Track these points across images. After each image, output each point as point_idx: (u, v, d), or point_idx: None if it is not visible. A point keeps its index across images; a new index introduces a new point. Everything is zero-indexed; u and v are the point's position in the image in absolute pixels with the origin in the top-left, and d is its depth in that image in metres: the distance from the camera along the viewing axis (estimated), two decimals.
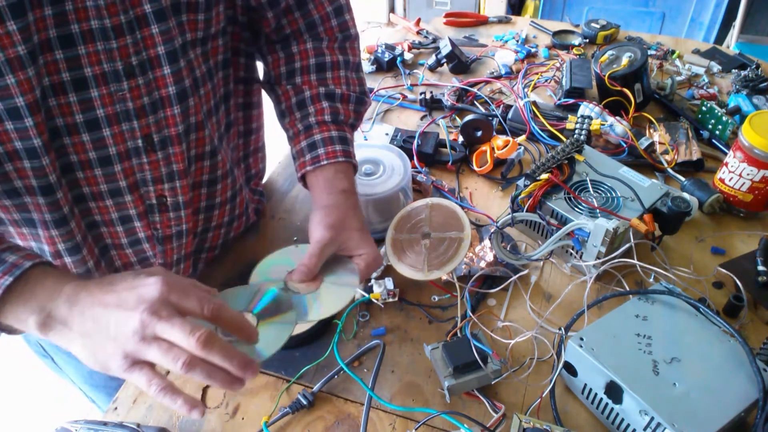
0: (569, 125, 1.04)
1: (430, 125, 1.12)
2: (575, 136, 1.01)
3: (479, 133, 1.03)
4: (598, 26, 1.42)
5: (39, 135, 0.55)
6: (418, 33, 1.45)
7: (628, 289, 0.76)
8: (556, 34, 1.43)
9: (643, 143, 0.99)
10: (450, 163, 1.01)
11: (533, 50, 1.38)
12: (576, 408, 0.66)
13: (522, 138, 1.04)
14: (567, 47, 1.38)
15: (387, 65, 1.31)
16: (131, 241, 0.71)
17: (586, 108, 1.06)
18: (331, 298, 0.65)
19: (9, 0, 0.49)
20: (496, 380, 0.66)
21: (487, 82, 1.27)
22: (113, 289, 0.51)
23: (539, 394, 0.65)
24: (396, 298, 0.77)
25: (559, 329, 0.70)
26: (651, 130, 1.05)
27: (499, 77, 1.28)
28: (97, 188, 0.64)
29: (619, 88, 1.07)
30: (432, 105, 1.17)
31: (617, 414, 0.61)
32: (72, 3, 0.53)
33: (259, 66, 0.86)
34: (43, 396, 1.81)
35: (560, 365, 0.65)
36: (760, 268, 0.78)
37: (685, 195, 0.80)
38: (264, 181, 1.00)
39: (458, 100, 1.19)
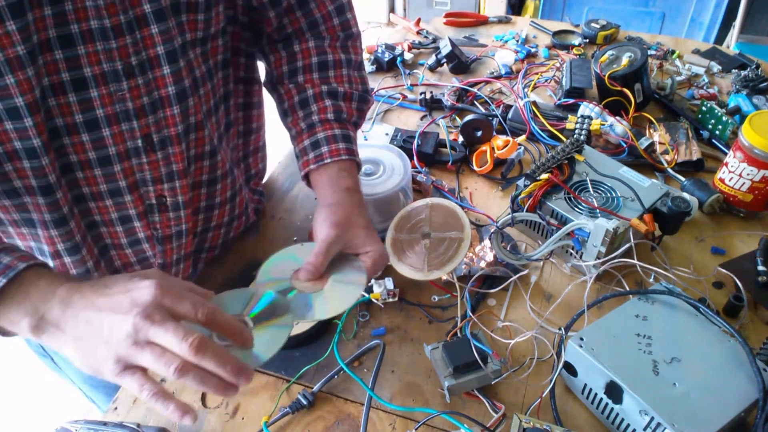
0: (569, 125, 1.04)
1: (430, 125, 1.12)
2: (575, 136, 1.01)
3: (479, 133, 1.03)
4: (598, 26, 1.42)
5: (38, 135, 0.55)
6: (418, 33, 1.45)
7: (628, 289, 0.76)
8: (556, 34, 1.43)
9: (643, 143, 0.99)
10: (450, 163, 1.01)
11: (533, 50, 1.38)
12: (576, 408, 0.66)
13: (522, 138, 1.04)
14: (567, 47, 1.38)
15: (387, 65, 1.31)
16: (131, 241, 0.71)
17: (586, 108, 1.06)
18: (338, 297, 0.64)
19: (8, 0, 0.49)
20: (496, 380, 0.66)
21: (487, 82, 1.27)
22: (107, 292, 0.51)
23: (539, 394, 0.65)
24: (396, 298, 0.77)
25: (559, 329, 0.70)
26: (651, 130, 1.05)
27: (499, 77, 1.28)
28: (97, 188, 0.64)
29: (619, 88, 1.07)
30: (432, 105, 1.17)
31: (617, 414, 0.61)
32: (71, 3, 0.53)
33: (260, 66, 0.86)
34: (43, 396, 1.81)
35: (560, 365, 0.65)
36: (760, 268, 0.78)
37: (685, 195, 0.80)
38: (264, 180, 1.00)
39: (458, 100, 1.19)
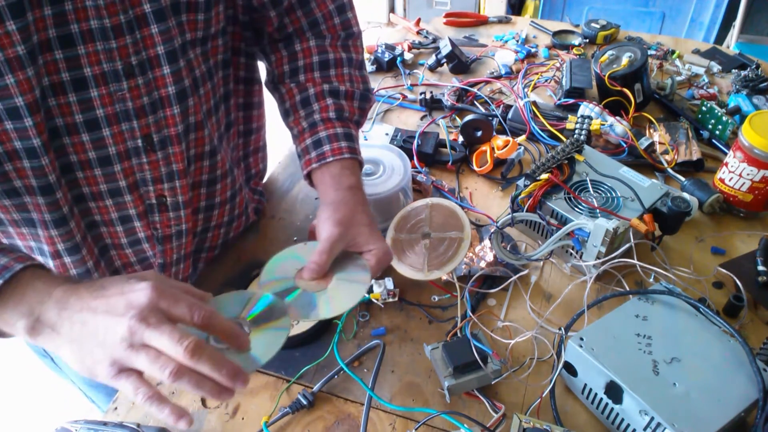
0: (569, 125, 1.04)
1: (430, 125, 1.12)
2: (575, 136, 1.01)
3: (479, 133, 1.03)
4: (598, 26, 1.42)
5: (38, 135, 0.55)
6: (418, 33, 1.45)
7: (628, 289, 0.76)
8: (556, 34, 1.43)
9: (643, 143, 0.99)
10: (450, 163, 1.01)
11: (533, 50, 1.38)
12: (576, 408, 0.66)
13: (522, 138, 1.04)
14: (567, 47, 1.38)
15: (387, 65, 1.31)
16: (131, 241, 0.71)
17: (586, 108, 1.06)
18: (342, 295, 0.64)
19: (8, 0, 0.49)
20: (496, 380, 0.66)
21: (487, 82, 1.27)
22: (103, 294, 0.51)
23: (539, 394, 0.65)
24: (396, 298, 0.77)
25: (559, 329, 0.70)
26: (651, 130, 1.05)
27: (499, 77, 1.28)
28: (97, 188, 0.64)
29: (619, 88, 1.07)
30: (432, 105, 1.17)
31: (617, 414, 0.61)
32: (71, 3, 0.53)
33: (261, 66, 0.85)
34: (43, 396, 1.81)
35: (560, 365, 0.65)
36: (760, 268, 0.78)
37: (685, 195, 0.80)
38: (264, 180, 1.00)
39: (458, 100, 1.19)
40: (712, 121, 1.07)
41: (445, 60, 1.29)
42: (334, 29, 0.78)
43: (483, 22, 1.55)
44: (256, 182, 0.95)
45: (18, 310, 0.51)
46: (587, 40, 1.41)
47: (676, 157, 0.99)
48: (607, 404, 0.62)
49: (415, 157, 1.01)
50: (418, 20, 1.49)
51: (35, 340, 0.52)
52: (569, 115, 1.06)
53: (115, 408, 0.67)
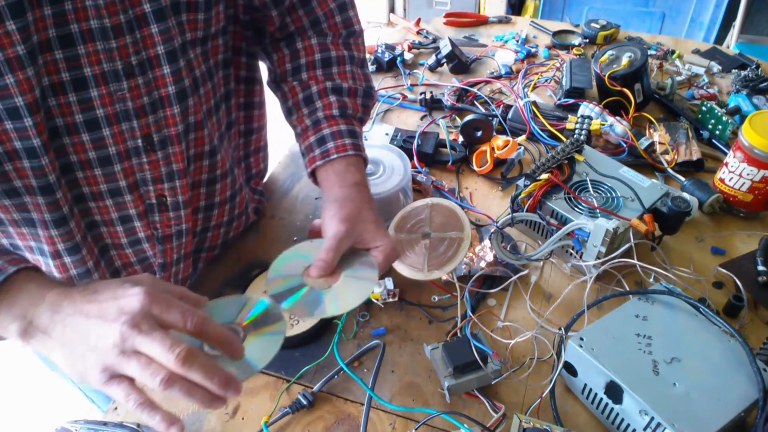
0: (569, 125, 1.04)
1: (430, 125, 1.12)
2: (575, 136, 1.01)
3: (479, 133, 1.03)
4: (598, 26, 1.42)
5: (38, 135, 0.55)
6: (418, 33, 1.45)
7: (628, 289, 0.76)
8: (556, 34, 1.43)
9: (643, 143, 0.99)
10: (450, 163, 1.01)
11: (533, 50, 1.38)
12: (576, 408, 0.66)
13: (522, 138, 1.04)
14: (567, 47, 1.38)
15: (387, 65, 1.31)
16: (131, 241, 0.70)
17: (586, 108, 1.06)
18: (350, 293, 0.64)
19: (8, 0, 0.49)
20: (496, 380, 0.66)
21: (487, 82, 1.27)
22: (96, 299, 0.50)
23: (539, 394, 0.65)
24: (396, 298, 0.77)
25: (559, 329, 0.70)
26: (651, 130, 1.05)
27: (499, 77, 1.28)
28: (97, 188, 0.64)
29: (619, 88, 1.07)
30: (432, 105, 1.17)
31: (617, 414, 0.61)
32: (71, 3, 0.53)
33: (262, 66, 0.85)
34: (43, 396, 1.81)
35: (560, 365, 0.65)
36: (760, 268, 0.78)
37: (685, 195, 0.80)
38: (264, 180, 1.00)
39: (458, 100, 1.19)
40: (712, 121, 1.07)
41: (445, 60, 1.29)
42: (336, 27, 0.78)
43: (483, 22, 1.55)
44: (256, 182, 0.95)
45: (11, 313, 0.51)
46: (587, 40, 1.41)
47: (676, 157, 0.99)
48: (607, 404, 0.62)
49: (415, 157, 1.01)
50: (418, 20, 1.49)
51: (28, 344, 0.51)
52: (569, 115, 1.06)
53: (115, 408, 0.67)
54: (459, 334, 0.71)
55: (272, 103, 0.89)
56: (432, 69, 1.31)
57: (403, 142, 1.03)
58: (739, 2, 2.47)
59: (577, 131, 1.02)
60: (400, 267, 0.75)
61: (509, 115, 1.10)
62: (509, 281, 0.78)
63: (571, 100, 1.11)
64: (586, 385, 0.64)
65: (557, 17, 2.71)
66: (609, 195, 0.81)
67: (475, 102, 1.19)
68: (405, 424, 0.65)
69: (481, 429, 0.60)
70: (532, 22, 1.53)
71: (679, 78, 1.25)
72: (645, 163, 0.99)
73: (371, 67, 1.32)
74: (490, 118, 1.09)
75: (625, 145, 1.00)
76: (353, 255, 0.67)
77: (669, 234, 0.81)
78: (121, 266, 0.73)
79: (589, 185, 0.82)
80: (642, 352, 0.63)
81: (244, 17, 0.75)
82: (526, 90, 1.21)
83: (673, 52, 1.36)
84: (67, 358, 0.50)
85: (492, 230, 0.79)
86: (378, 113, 1.17)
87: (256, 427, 0.64)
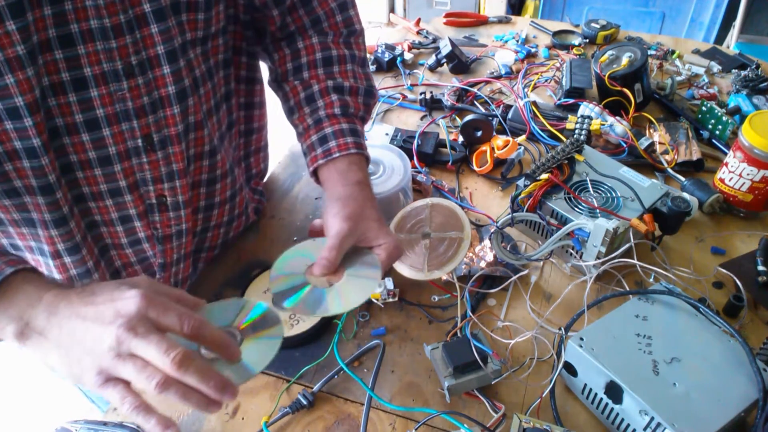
0: (569, 125, 1.04)
1: (430, 125, 1.12)
2: (575, 136, 1.01)
3: (479, 133, 1.03)
4: (598, 26, 1.42)
5: (38, 135, 0.55)
6: (418, 33, 1.45)
7: (628, 289, 0.76)
8: (556, 34, 1.43)
9: (643, 143, 0.99)
10: (450, 163, 1.01)
11: (533, 50, 1.38)
12: (576, 408, 0.66)
13: (522, 138, 1.04)
14: (567, 47, 1.38)
15: (387, 65, 1.31)
16: (131, 241, 0.70)
17: (586, 108, 1.06)
18: (353, 291, 0.64)
19: (8, 0, 0.49)
20: (496, 380, 0.66)
21: (487, 82, 1.27)
22: (93, 301, 0.50)
23: (539, 394, 0.65)
24: (396, 298, 0.77)
25: (559, 329, 0.70)
26: (651, 130, 1.05)
27: (499, 77, 1.28)
28: (97, 188, 0.64)
29: (619, 88, 1.07)
30: (432, 105, 1.17)
31: (617, 414, 0.61)
32: (71, 3, 0.53)
33: (263, 66, 0.85)
34: (43, 396, 1.81)
35: (560, 365, 0.65)
36: (760, 268, 0.78)
37: (685, 195, 0.80)
38: (264, 180, 1.00)
39: (458, 100, 1.19)
40: (712, 121, 1.07)
41: (445, 60, 1.29)
42: (336, 27, 0.78)
43: (483, 22, 1.55)
44: (256, 182, 0.95)
45: (7, 315, 0.51)
46: (587, 40, 1.41)
47: (676, 157, 0.99)
48: (607, 404, 0.62)
49: (415, 157, 1.01)
50: (418, 20, 1.49)
51: (24, 345, 0.51)
52: (569, 115, 1.06)
53: (115, 408, 0.67)
54: (459, 334, 0.71)
55: (272, 103, 0.89)
56: (432, 69, 1.31)
57: (403, 142, 1.03)
58: (739, 2, 2.47)
59: (577, 131, 1.02)
60: (400, 267, 0.75)
61: (509, 115, 1.10)
62: (509, 281, 0.78)
63: (571, 100, 1.11)
64: (586, 385, 0.64)
65: (557, 17, 2.71)
66: (609, 195, 0.81)
67: (475, 102, 1.19)
68: (405, 424, 0.65)
69: (481, 429, 0.60)
70: (532, 22, 1.53)
71: (679, 78, 1.25)
72: (645, 163, 0.99)
73: (371, 68, 1.32)
74: (490, 118, 1.09)
75: (625, 145, 1.00)
76: (356, 253, 0.67)
77: (669, 234, 0.81)
78: (121, 266, 0.73)
79: (589, 185, 0.82)
80: (642, 352, 0.63)
81: (245, 17, 0.75)
82: (526, 90, 1.21)
83: (673, 52, 1.36)
84: (63, 360, 0.50)
85: (492, 230, 0.79)
86: (378, 113, 1.17)
87: (256, 427, 0.64)
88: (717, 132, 1.07)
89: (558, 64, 1.29)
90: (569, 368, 0.65)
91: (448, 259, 0.74)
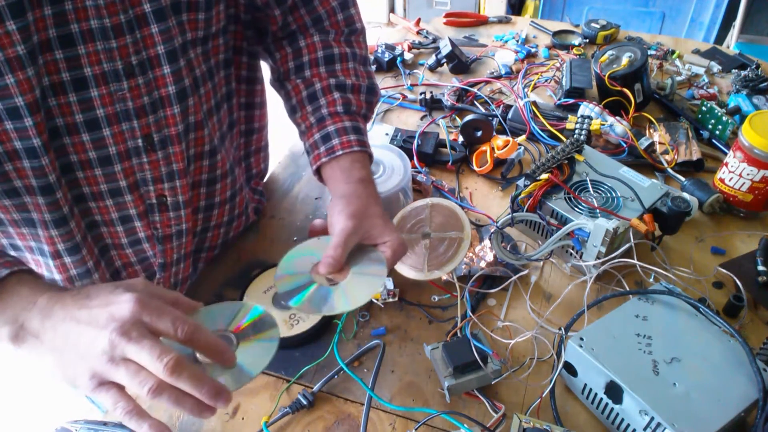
0: (569, 125, 1.04)
1: (430, 125, 1.12)
2: (575, 136, 1.01)
3: (479, 133, 1.03)
4: (598, 26, 1.42)
5: (39, 135, 0.55)
6: (418, 33, 1.45)
7: (628, 289, 0.76)
8: (556, 34, 1.43)
9: (643, 143, 0.99)
10: (450, 163, 1.01)
11: (533, 50, 1.38)
12: (576, 408, 0.66)
13: (522, 138, 1.04)
14: (567, 47, 1.38)
15: (387, 65, 1.31)
16: (131, 241, 0.70)
17: (586, 108, 1.06)
18: (359, 289, 0.63)
19: (8, 0, 0.49)
20: (496, 380, 0.66)
21: (487, 82, 1.27)
22: (87, 304, 0.50)
23: (539, 394, 0.65)
24: (396, 298, 0.77)
25: (559, 329, 0.70)
26: (651, 130, 1.05)
27: (499, 77, 1.28)
28: (97, 188, 0.64)
29: (619, 88, 1.07)
30: (432, 105, 1.17)
31: (617, 414, 0.61)
32: (71, 2, 0.53)
33: (264, 66, 0.85)
34: (43, 396, 1.81)
35: (560, 365, 0.65)
36: (760, 268, 0.78)
37: (685, 195, 0.80)
38: (264, 180, 1.00)
39: (458, 100, 1.19)
40: (712, 121, 1.07)
41: (445, 60, 1.29)
42: (338, 25, 0.78)
43: (483, 22, 1.55)
44: (256, 182, 0.95)
45: (2, 317, 0.51)
46: (587, 40, 1.41)
47: (676, 157, 0.99)
48: (607, 404, 0.62)
49: (415, 157, 1.01)
50: (418, 20, 1.49)
51: (20, 348, 0.51)
52: (569, 115, 1.06)
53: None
54: (459, 334, 0.71)
55: (273, 103, 0.89)
56: (432, 69, 1.31)
57: (403, 142, 1.03)
58: (739, 2, 2.48)
59: (577, 131, 1.02)
60: (400, 267, 0.75)
61: (509, 115, 1.10)
62: (509, 281, 0.78)
63: (571, 100, 1.11)
64: (586, 385, 0.64)
65: (557, 17, 2.71)
66: (609, 195, 0.81)
67: (475, 102, 1.19)
68: (405, 424, 0.65)
69: (481, 429, 0.60)
70: (532, 22, 1.53)
71: (679, 78, 1.25)
72: (645, 163, 0.99)
73: (371, 68, 1.31)
74: (490, 118, 1.09)
75: (625, 145, 1.00)
76: (361, 251, 0.67)
77: (669, 234, 0.81)
78: (122, 266, 0.73)
79: (589, 185, 0.82)
80: (642, 352, 0.63)
81: (246, 17, 0.75)
82: (526, 90, 1.21)
83: (673, 52, 1.36)
84: (57, 363, 0.50)
85: (492, 230, 0.79)
86: (378, 113, 1.17)
87: (256, 427, 0.64)
88: (717, 132, 1.07)
89: (558, 64, 1.29)
90: (569, 368, 0.65)
91: (448, 259, 0.74)
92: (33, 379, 1.84)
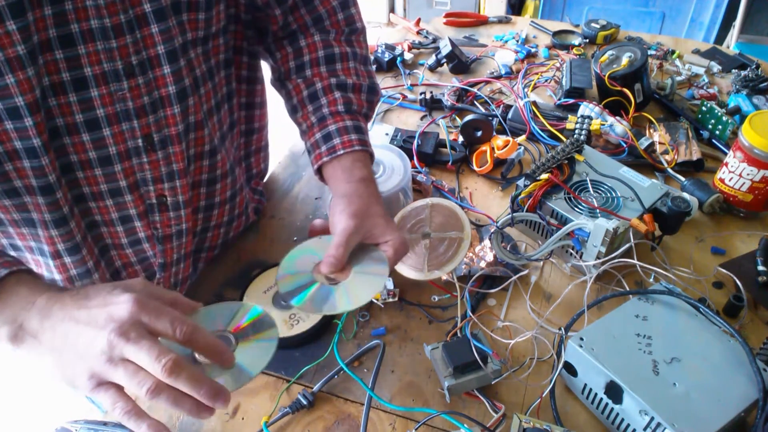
0: (569, 125, 1.04)
1: (430, 125, 1.12)
2: (575, 136, 1.01)
3: (479, 133, 1.03)
4: (598, 26, 1.42)
5: (39, 135, 0.55)
6: (418, 33, 1.45)
7: (628, 289, 0.76)
8: (556, 34, 1.43)
9: (643, 143, 0.99)
10: (450, 163, 1.01)
11: (533, 50, 1.38)
12: (576, 408, 0.66)
13: (522, 138, 1.04)
14: (567, 47, 1.38)
15: (387, 65, 1.31)
16: (131, 241, 0.70)
17: (586, 108, 1.06)
18: (361, 288, 0.63)
19: (8, 0, 0.49)
20: (496, 380, 0.66)
21: (487, 82, 1.27)
22: (86, 305, 0.50)
23: (539, 394, 0.65)
24: (396, 298, 0.77)
25: (559, 329, 0.70)
26: (651, 130, 1.05)
27: (499, 77, 1.28)
28: (97, 188, 0.64)
29: (619, 88, 1.07)
30: (432, 105, 1.17)
31: (617, 414, 0.61)
32: (72, 2, 0.53)
33: (264, 66, 0.85)
34: (43, 396, 1.81)
35: (560, 365, 0.65)
36: (760, 268, 0.78)
37: (685, 195, 0.80)
38: (264, 180, 1.00)
39: (458, 100, 1.19)
40: (712, 121, 1.07)
41: (445, 60, 1.29)
42: (338, 24, 0.78)
43: (483, 22, 1.55)
44: (256, 182, 0.95)
45: (1, 317, 0.51)
46: (587, 40, 1.41)
47: (676, 157, 0.99)
48: (607, 404, 0.62)
49: (415, 157, 1.01)
50: (418, 20, 1.49)
51: (19, 348, 0.51)
52: (569, 115, 1.06)
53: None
54: (459, 334, 0.71)
55: (273, 103, 0.89)
56: (432, 69, 1.31)
57: (403, 142, 1.03)
58: (739, 2, 2.48)
59: (577, 131, 1.02)
60: (400, 267, 0.75)
61: (509, 115, 1.10)
62: (509, 281, 0.78)
63: (571, 100, 1.11)
64: (586, 385, 0.64)
65: (557, 17, 2.71)
66: (609, 195, 0.81)
67: (475, 102, 1.19)
68: (405, 424, 0.65)
69: (481, 429, 0.60)
70: (532, 22, 1.53)
71: (679, 78, 1.25)
72: (645, 163, 0.99)
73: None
74: (490, 118, 1.09)
75: (625, 145, 1.00)
76: (363, 250, 0.67)
77: (669, 234, 0.81)
78: (122, 266, 0.73)
79: (589, 185, 0.82)
80: (642, 352, 0.63)
81: (246, 16, 0.75)
82: (526, 90, 1.21)
83: (673, 52, 1.36)
84: (56, 363, 0.50)
85: (492, 230, 0.79)
86: (378, 113, 1.17)
87: (256, 427, 0.64)
88: (717, 132, 1.07)
89: (558, 64, 1.29)
90: (569, 368, 0.65)
91: (448, 259, 0.74)
92: (33, 379, 1.84)
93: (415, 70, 1.32)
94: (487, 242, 0.82)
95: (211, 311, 0.58)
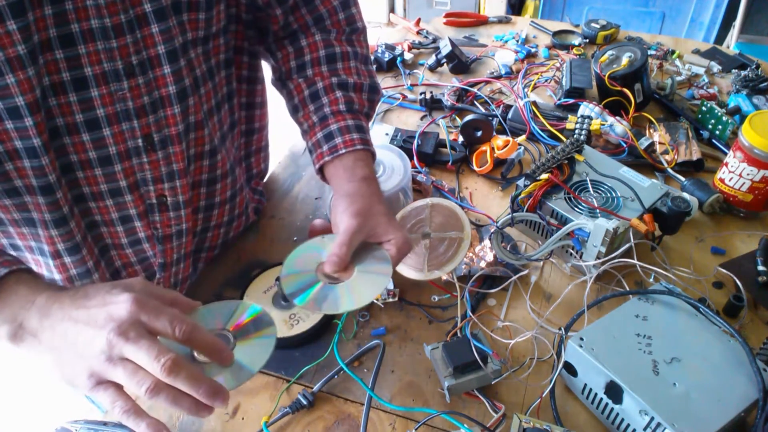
0: (569, 125, 1.04)
1: (430, 125, 1.12)
2: (575, 136, 1.01)
3: (479, 133, 1.03)
4: (598, 26, 1.42)
5: (39, 134, 0.55)
6: (418, 33, 1.45)
7: (628, 289, 0.76)
8: (556, 34, 1.43)
9: (643, 143, 0.99)
10: (450, 163, 1.01)
11: (533, 50, 1.38)
12: (576, 408, 0.66)
13: (522, 138, 1.04)
14: (567, 47, 1.38)
15: (387, 65, 1.31)
16: (131, 241, 0.70)
17: (586, 108, 1.06)
18: (364, 287, 0.63)
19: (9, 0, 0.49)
20: (496, 380, 0.66)
21: (487, 82, 1.27)
22: (85, 304, 0.50)
23: (539, 394, 0.65)
24: (396, 298, 0.77)
25: (559, 329, 0.70)
26: (651, 130, 1.05)
27: (499, 77, 1.28)
28: (97, 188, 0.64)
29: (619, 88, 1.07)
30: (432, 105, 1.17)
31: (617, 414, 0.61)
32: (72, 2, 0.53)
33: (265, 66, 0.85)
34: (43, 396, 1.81)
35: (560, 365, 0.65)
36: (760, 268, 0.78)
37: (685, 195, 0.80)
38: (264, 180, 1.00)
39: (458, 100, 1.19)
40: (712, 121, 1.07)
41: (445, 60, 1.29)
42: (339, 24, 0.78)
43: (483, 22, 1.55)
44: (256, 182, 0.95)
45: (1, 316, 0.51)
46: (587, 40, 1.41)
47: (676, 157, 0.99)
48: (607, 404, 0.62)
49: (415, 157, 1.01)
50: (418, 20, 1.49)
51: (19, 347, 0.51)
52: (569, 115, 1.06)
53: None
54: (459, 334, 0.71)
55: (273, 103, 0.89)
56: (432, 69, 1.31)
57: (403, 142, 1.03)
58: (739, 2, 2.48)
59: (577, 131, 1.02)
60: (400, 267, 0.75)
61: (509, 115, 1.10)
62: (509, 281, 0.78)
63: (571, 100, 1.11)
64: (586, 385, 0.64)
65: (557, 17, 2.71)
66: (609, 195, 0.81)
67: (475, 102, 1.19)
68: (405, 424, 0.65)
69: (481, 429, 0.60)
70: (532, 22, 1.53)
71: (679, 78, 1.25)
72: (645, 163, 0.99)
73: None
74: (490, 118, 1.09)
75: (625, 145, 1.00)
76: (366, 249, 0.67)
77: (669, 234, 0.81)
78: (122, 266, 0.73)
79: (589, 185, 0.82)
80: (642, 352, 0.63)
81: (247, 16, 0.75)
82: (526, 90, 1.21)
83: (673, 52, 1.36)
84: (56, 363, 0.50)
85: (492, 230, 0.79)
86: (378, 113, 1.17)
87: (256, 427, 0.64)
88: (717, 132, 1.07)
89: (558, 64, 1.29)
90: (569, 368, 0.65)
91: (448, 259, 0.74)
92: (33, 379, 1.84)
93: (415, 70, 1.32)
94: (487, 242, 0.82)
95: (210, 310, 0.58)
